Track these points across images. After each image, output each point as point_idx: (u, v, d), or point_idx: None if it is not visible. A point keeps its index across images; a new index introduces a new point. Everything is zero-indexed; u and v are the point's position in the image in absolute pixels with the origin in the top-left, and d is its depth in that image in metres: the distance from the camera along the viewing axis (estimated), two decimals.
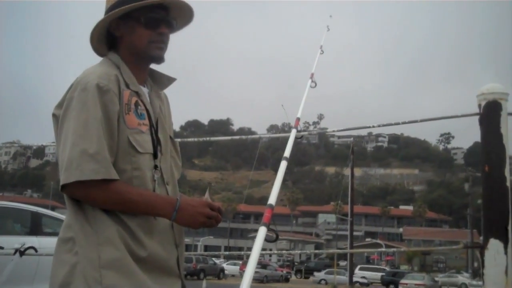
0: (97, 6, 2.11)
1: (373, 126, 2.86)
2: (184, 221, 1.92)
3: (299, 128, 2.91)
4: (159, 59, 2.09)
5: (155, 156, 1.99)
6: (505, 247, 2.50)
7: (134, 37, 2.04)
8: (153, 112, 2.06)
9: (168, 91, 2.28)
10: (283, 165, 2.36)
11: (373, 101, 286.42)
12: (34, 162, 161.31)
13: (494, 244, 2.51)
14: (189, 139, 3.46)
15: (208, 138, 3.41)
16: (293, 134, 2.74)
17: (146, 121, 1.98)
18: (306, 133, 3.03)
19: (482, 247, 2.54)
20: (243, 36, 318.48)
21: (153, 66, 2.17)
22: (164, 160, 2.04)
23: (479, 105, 2.65)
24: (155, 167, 1.98)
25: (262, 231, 1.87)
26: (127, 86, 1.98)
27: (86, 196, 1.84)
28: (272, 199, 2.05)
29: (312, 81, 3.41)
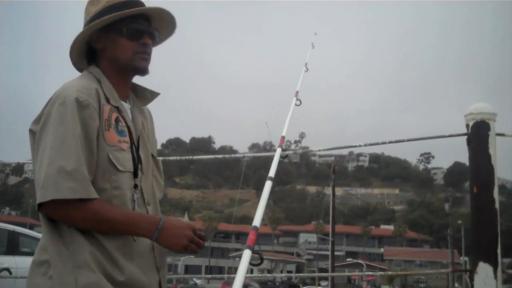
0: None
1: (359, 145, 2.81)
2: (165, 242, 1.83)
3: (283, 147, 2.85)
4: (144, 71, 2.02)
5: (135, 175, 1.90)
6: (495, 271, 2.44)
7: (117, 49, 1.97)
8: (135, 129, 1.98)
9: (150, 108, 2.21)
10: (268, 185, 2.28)
11: (356, 120, 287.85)
12: (12, 179, 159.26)
13: (484, 268, 2.45)
14: (172, 158, 3.38)
15: (190, 157, 3.34)
16: (278, 153, 2.66)
17: (127, 138, 1.91)
18: (291, 152, 2.96)
19: (471, 271, 2.48)
20: (225, 53, 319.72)
21: (136, 79, 2.10)
22: (145, 179, 1.96)
23: (467, 125, 2.61)
24: (135, 186, 1.90)
25: (246, 254, 1.79)
26: (108, 100, 1.90)
27: (64, 216, 1.75)
28: (256, 221, 1.98)
29: (297, 99, 3.36)
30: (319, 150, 3.09)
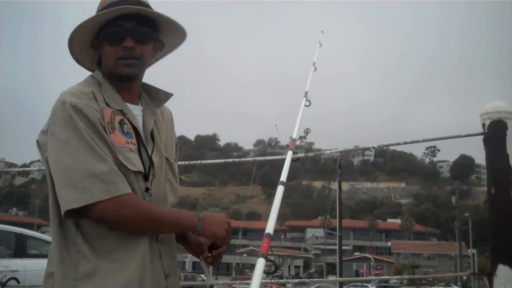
0: (96, 5, 1.97)
1: (373, 147, 2.74)
2: (209, 230, 1.85)
3: (294, 149, 2.79)
4: (129, 78, 1.91)
5: (146, 178, 1.84)
6: None
7: (103, 57, 1.91)
8: (144, 131, 1.91)
9: None
10: (280, 190, 2.21)
11: (366, 116, 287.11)
12: (19, 180, 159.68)
13: (503, 271, 2.39)
14: (180, 162, 3.32)
15: (199, 162, 3.29)
16: (289, 156, 2.60)
17: (134, 140, 1.84)
18: (302, 155, 2.90)
19: (491, 274, 2.42)
20: (230, 50, 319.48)
21: (148, 81, 2.04)
22: (156, 183, 1.89)
23: (483, 125, 2.53)
24: (146, 189, 1.84)
25: (260, 263, 1.74)
26: (108, 104, 1.84)
27: (115, 215, 1.70)
28: (269, 228, 1.92)
29: (306, 100, 3.29)
30: (331, 152, 3.03)
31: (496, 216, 2.47)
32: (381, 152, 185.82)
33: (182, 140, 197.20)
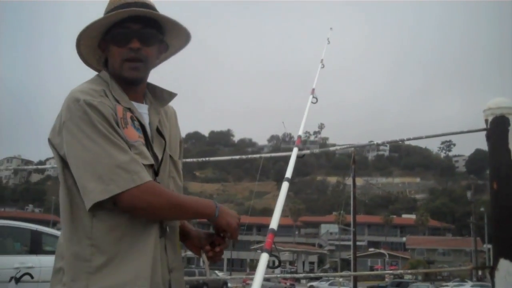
0: (94, 6, 2.02)
1: (378, 144, 2.78)
2: (224, 219, 1.90)
3: (300, 146, 2.82)
4: (133, 81, 1.95)
5: (156, 173, 1.89)
6: None
7: (110, 58, 1.95)
8: (150, 129, 1.96)
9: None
10: (285, 186, 2.26)
11: (381, 111, 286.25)
12: (35, 177, 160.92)
13: (505, 265, 2.41)
14: (189, 160, 3.38)
15: (208, 158, 3.34)
16: (294, 153, 2.64)
17: (142, 136, 1.90)
18: (308, 152, 2.94)
19: (492, 268, 2.44)
20: (242, 47, 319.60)
21: (152, 78, 2.08)
22: (160, 180, 1.93)
23: (486, 120, 2.56)
24: None
25: (264, 258, 1.78)
26: (118, 102, 1.89)
27: (143, 203, 1.74)
28: (273, 224, 1.96)
29: (313, 97, 3.32)
30: (337, 148, 3.06)
31: (497, 211, 2.49)
32: (396, 146, 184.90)
33: (196, 136, 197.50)
